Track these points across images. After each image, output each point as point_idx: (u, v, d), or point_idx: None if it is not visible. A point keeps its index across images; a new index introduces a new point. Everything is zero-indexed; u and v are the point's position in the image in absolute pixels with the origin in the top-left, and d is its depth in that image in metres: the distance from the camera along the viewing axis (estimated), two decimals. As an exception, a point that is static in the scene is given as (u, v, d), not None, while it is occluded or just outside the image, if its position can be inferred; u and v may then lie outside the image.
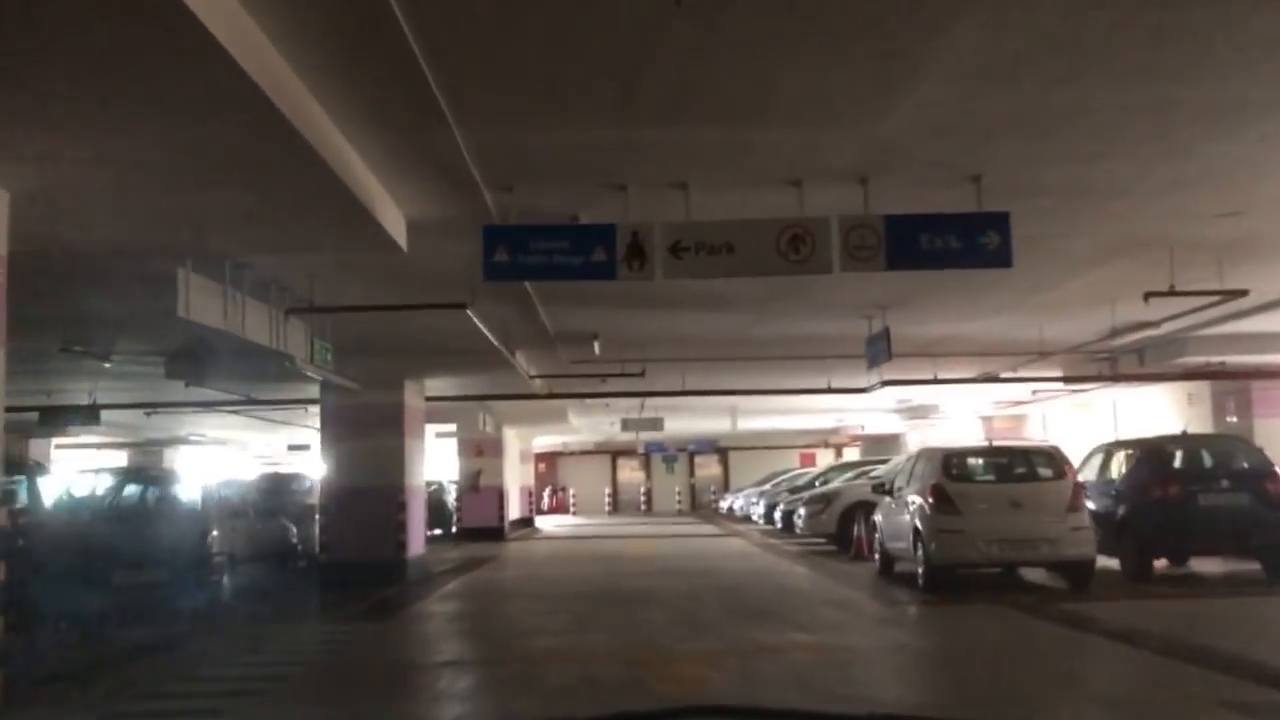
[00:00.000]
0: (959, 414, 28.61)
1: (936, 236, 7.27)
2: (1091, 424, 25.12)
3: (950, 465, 13.87)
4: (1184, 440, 14.95)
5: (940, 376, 17.73)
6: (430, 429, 31.09)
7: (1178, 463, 14.26)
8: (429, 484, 31.56)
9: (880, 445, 38.27)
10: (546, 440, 42.48)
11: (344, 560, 16.32)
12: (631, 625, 11.20)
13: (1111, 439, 16.90)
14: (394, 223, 7.89)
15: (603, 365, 16.60)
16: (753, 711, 2.01)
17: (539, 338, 14.65)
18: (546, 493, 47.47)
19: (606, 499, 48.24)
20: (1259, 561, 13.78)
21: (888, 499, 15.95)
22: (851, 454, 40.97)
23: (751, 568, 18.07)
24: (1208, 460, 14.33)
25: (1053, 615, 11.18)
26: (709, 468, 49.60)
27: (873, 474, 22.81)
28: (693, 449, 47.05)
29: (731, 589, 14.57)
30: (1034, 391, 21.40)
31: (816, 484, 27.07)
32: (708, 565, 18.69)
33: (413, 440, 17.41)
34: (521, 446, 35.43)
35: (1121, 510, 14.17)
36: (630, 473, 49.38)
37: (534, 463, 46.94)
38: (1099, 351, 17.29)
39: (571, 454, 47.43)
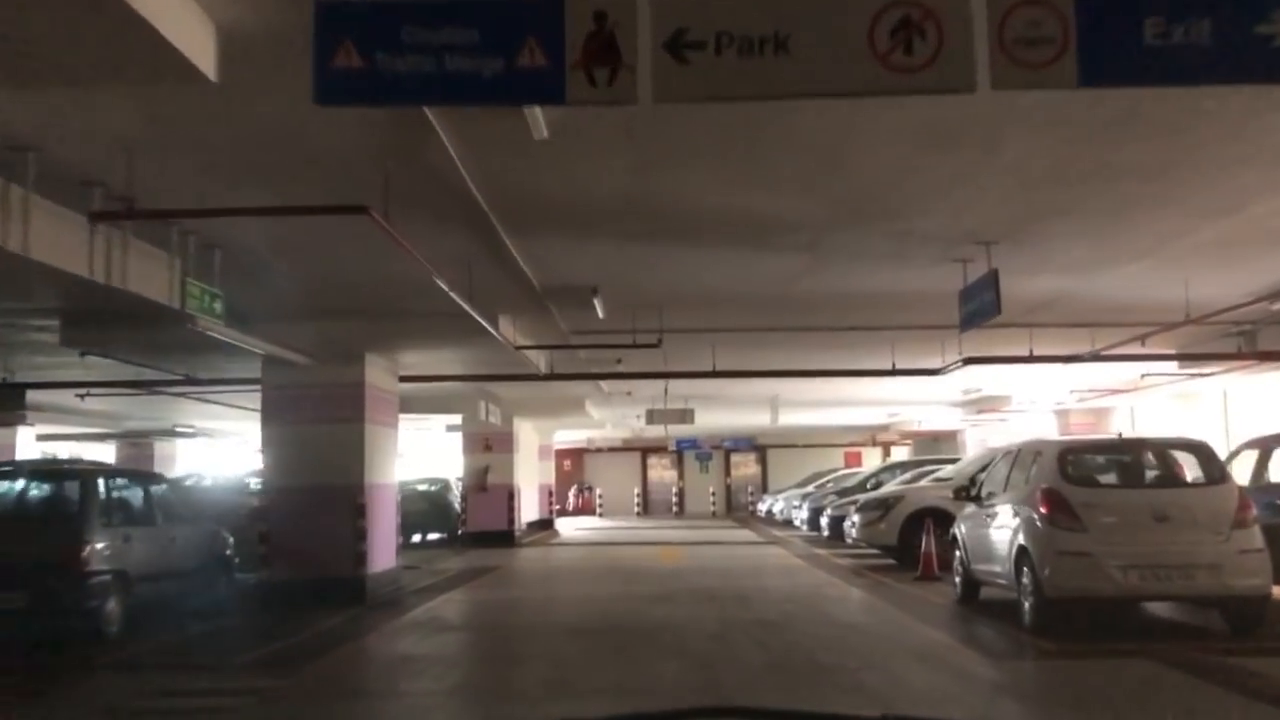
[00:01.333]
0: (1033, 406, 24.90)
1: (1175, 23, 3.85)
2: (1195, 420, 21.41)
3: (1068, 464, 10.36)
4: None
5: (1037, 353, 14.12)
6: (439, 420, 28.23)
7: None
8: (432, 482, 28.74)
9: (933, 444, 34.70)
10: (570, 436, 39.25)
11: (289, 578, 13.08)
12: (630, 689, 7.80)
13: (1267, 432, 13.24)
14: (189, 34, 4.55)
15: (610, 335, 13.22)
16: (765, 712, 2.05)
17: (525, 296, 11.30)
18: (571, 492, 44.22)
19: (635, 500, 44.85)
20: None
21: (971, 507, 12.46)
22: (900, 454, 37.35)
23: (798, 590, 14.60)
24: None
25: (1236, 678, 7.74)
26: (746, 467, 46.13)
27: (938, 475, 19.35)
28: (728, 446, 43.62)
29: (774, 625, 11.13)
30: (1144, 376, 17.73)
31: (868, 486, 23.62)
32: (744, 585, 15.24)
33: (379, 429, 14.11)
34: (541, 442, 32.18)
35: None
36: (662, 471, 45.99)
37: (556, 460, 44.12)
38: (1242, 321, 13.68)
39: (598, 451, 44.13)
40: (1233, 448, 12.67)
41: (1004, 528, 10.94)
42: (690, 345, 15.14)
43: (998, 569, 11.08)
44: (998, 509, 11.33)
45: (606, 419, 30.47)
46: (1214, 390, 20.92)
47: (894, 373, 15.58)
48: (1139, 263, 10.34)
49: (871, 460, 38.67)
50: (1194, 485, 10.27)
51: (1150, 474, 10.63)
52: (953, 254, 9.63)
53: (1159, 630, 10.31)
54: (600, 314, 11.83)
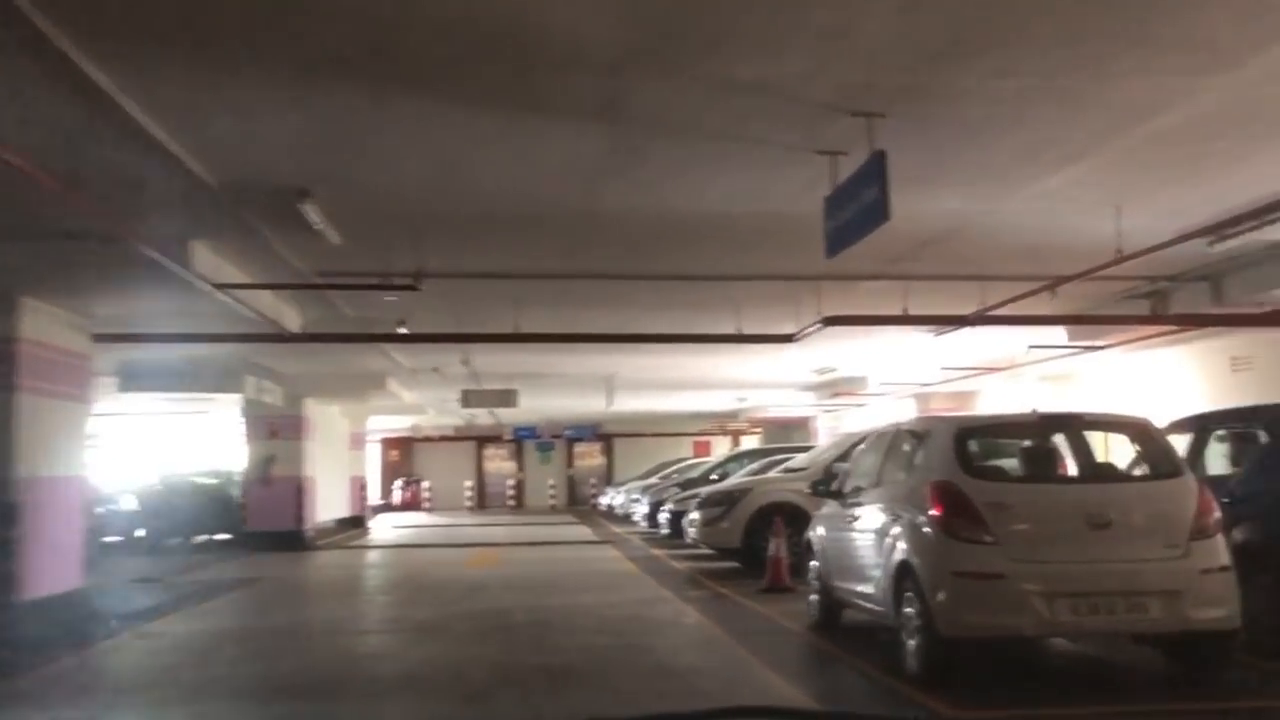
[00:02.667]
0: (893, 390, 22.42)
1: None
2: (1068, 404, 19.20)
3: (969, 449, 7.48)
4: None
5: (913, 312, 11.27)
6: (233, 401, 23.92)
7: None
8: (215, 475, 24.59)
9: (784, 433, 32.25)
10: (395, 422, 35.38)
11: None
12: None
13: (1204, 410, 10.66)
14: None
15: (353, 271, 9.79)
16: (795, 712, 2.24)
17: (212, 206, 7.79)
18: (397, 486, 40.31)
19: (467, 493, 41.24)
20: None
21: (831, 505, 9.55)
22: (750, 443, 34.82)
23: (618, 611, 11.45)
24: None
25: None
26: (591, 457, 43.10)
27: (789, 465, 16.55)
28: (571, 435, 40.42)
29: (567, 678, 7.88)
30: (1030, 348, 15.20)
31: (712, 477, 20.75)
32: (551, 605, 12.04)
33: (47, 402, 10.33)
34: (352, 428, 28.30)
35: (1252, 533, 8.02)
36: (499, 462, 42.51)
37: (382, 450, 40.25)
38: (1158, 277, 11.15)
39: (428, 440, 40.34)
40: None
41: (877, 535, 8.01)
42: (484, 299, 11.83)
43: (869, 590, 8.15)
44: (867, 509, 8.41)
45: (424, 402, 26.87)
46: (1093, 372, 18.72)
47: (740, 339, 12.57)
48: (1064, 172, 7.47)
49: (722, 450, 36.11)
50: (1140, 479, 7.51)
51: (1079, 463, 7.82)
52: (817, 140, 6.56)
53: (1089, 679, 7.52)
54: (331, 236, 8.40)
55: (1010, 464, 8.07)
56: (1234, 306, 11.15)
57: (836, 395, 24.14)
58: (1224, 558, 6.98)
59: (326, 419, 24.00)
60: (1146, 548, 6.89)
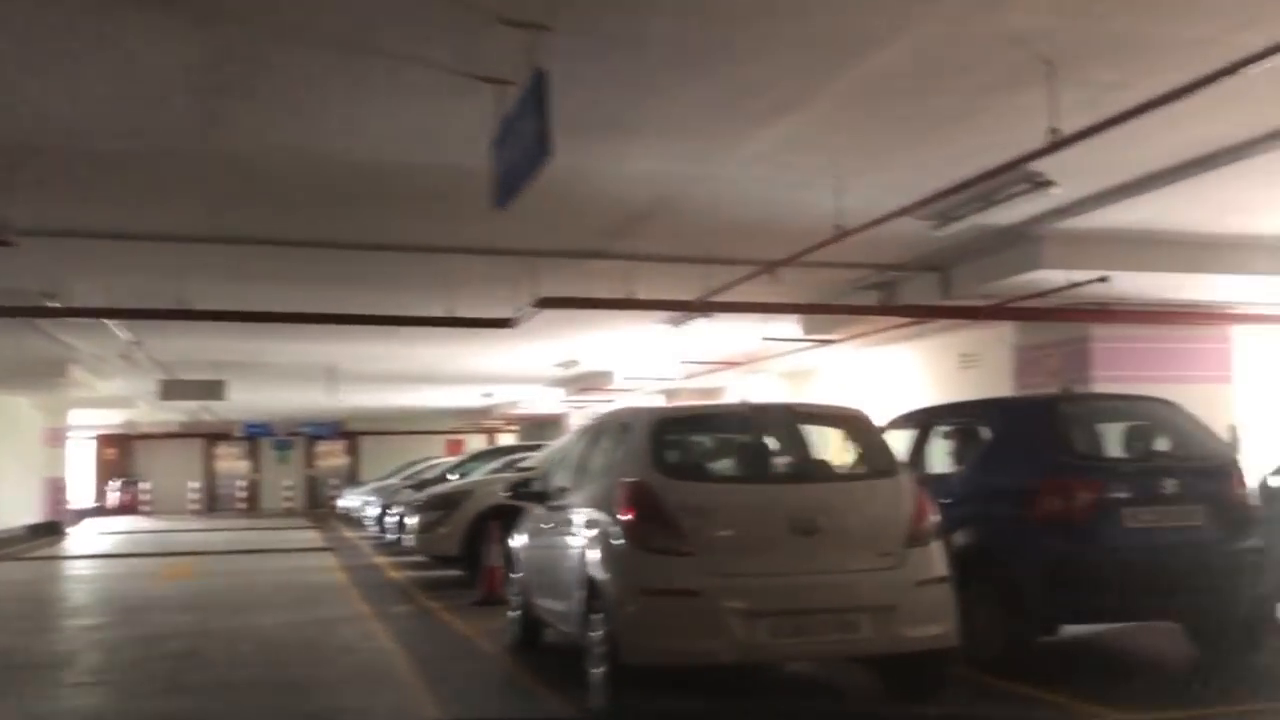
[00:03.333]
0: (640, 385, 21.63)
1: None
2: (802, 399, 18.90)
3: (666, 445, 6.44)
4: (1082, 404, 8.36)
5: (639, 297, 10.24)
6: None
7: (1081, 446, 7.61)
8: None
9: (540, 430, 31.15)
10: (107, 417, 31.92)
11: None
12: None
13: (930, 404, 10.10)
14: None
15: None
16: None
17: None
18: (113, 487, 36.62)
19: (191, 495, 37.96)
20: (1190, 624, 7.52)
21: (539, 510, 8.38)
22: (510, 441, 33.48)
23: (299, 633, 9.88)
24: (1133, 443, 7.77)
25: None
26: (335, 457, 40.60)
27: (524, 464, 15.34)
28: (310, 432, 37.87)
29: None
30: (765, 339, 14.57)
31: (450, 477, 19.30)
32: (223, 627, 10.35)
33: None
34: (48, 423, 25.09)
35: (971, 536, 7.41)
36: (232, 462, 39.42)
37: (98, 449, 36.55)
38: (887, 266, 10.60)
39: (149, 437, 36.80)
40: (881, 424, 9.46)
41: (570, 545, 6.90)
42: (141, 269, 10.00)
43: (562, 608, 7.02)
44: (565, 514, 7.28)
45: (131, 394, 24.10)
46: (834, 368, 18.50)
47: (452, 322, 11.21)
48: (773, 127, 6.55)
49: (477, 449, 34.57)
50: (851, 479, 6.69)
51: (783, 460, 6.92)
52: (475, 61, 5.32)
53: (793, 695, 6.64)
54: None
55: (717, 461, 7.12)
56: (962, 299, 10.75)
57: (584, 390, 23.17)
58: (941, 567, 6.23)
59: (8, 411, 21.03)
60: (857, 557, 6.04)
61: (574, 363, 19.27)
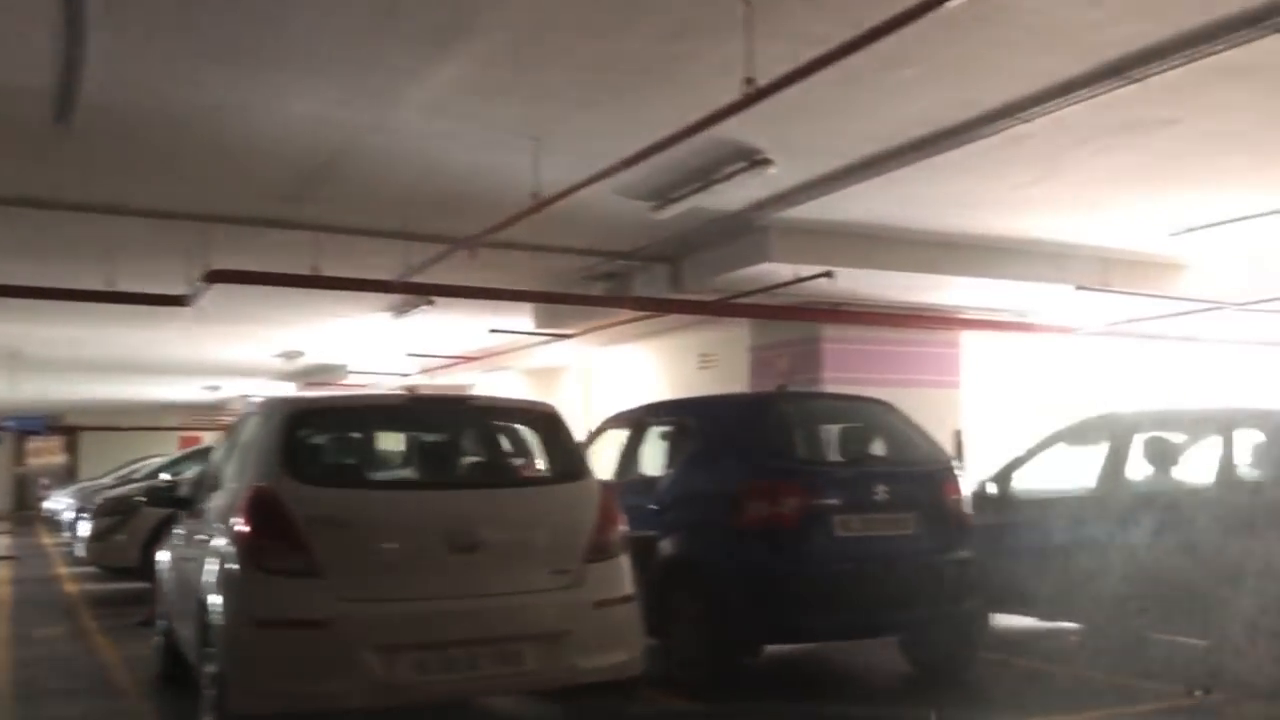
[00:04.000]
0: (378, 380, 20.19)
1: None
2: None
3: (302, 442, 5.33)
4: (796, 403, 7.74)
5: (328, 274, 8.99)
6: None
7: (792, 448, 6.99)
8: None
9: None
10: None
11: None
12: None
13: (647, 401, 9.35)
14: None
15: None
16: None
17: None
18: None
19: None
20: (904, 640, 7.07)
21: (185, 519, 7.06)
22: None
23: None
24: (848, 445, 7.21)
25: None
26: (51, 454, 36.80)
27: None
28: (15, 426, 34.03)
29: None
30: (492, 331, 13.53)
31: (164, 477, 17.31)
32: None
33: None
34: None
35: (675, 546, 6.70)
36: (-75, 459, 35.03)
37: None
38: (619, 255, 9.83)
39: None
40: (594, 425, 8.63)
41: (195, 561, 5.68)
42: None
43: (189, 637, 5.80)
44: (199, 524, 6.07)
45: None
46: (580, 367, 17.76)
47: (113, 297, 9.60)
48: (438, 66, 5.55)
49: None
50: (527, 483, 5.77)
51: (447, 462, 5.89)
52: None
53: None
54: None
55: (367, 463, 6.07)
56: (693, 293, 10.12)
57: (315, 385, 21.52)
58: (625, 584, 5.40)
59: None
60: (526, 576, 5.13)
61: (298, 354, 17.69)
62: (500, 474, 5.88)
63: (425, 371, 18.32)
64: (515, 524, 5.28)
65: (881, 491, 6.72)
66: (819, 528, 6.48)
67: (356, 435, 6.17)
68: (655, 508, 7.06)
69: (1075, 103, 5.81)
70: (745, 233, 8.94)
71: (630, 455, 7.81)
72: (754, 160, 6.88)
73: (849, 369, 11.34)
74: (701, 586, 6.62)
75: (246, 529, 4.88)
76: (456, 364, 17.42)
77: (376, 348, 16.03)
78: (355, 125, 6.41)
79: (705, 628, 6.52)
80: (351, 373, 19.57)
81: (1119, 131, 6.57)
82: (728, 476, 6.71)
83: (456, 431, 5.85)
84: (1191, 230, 9.28)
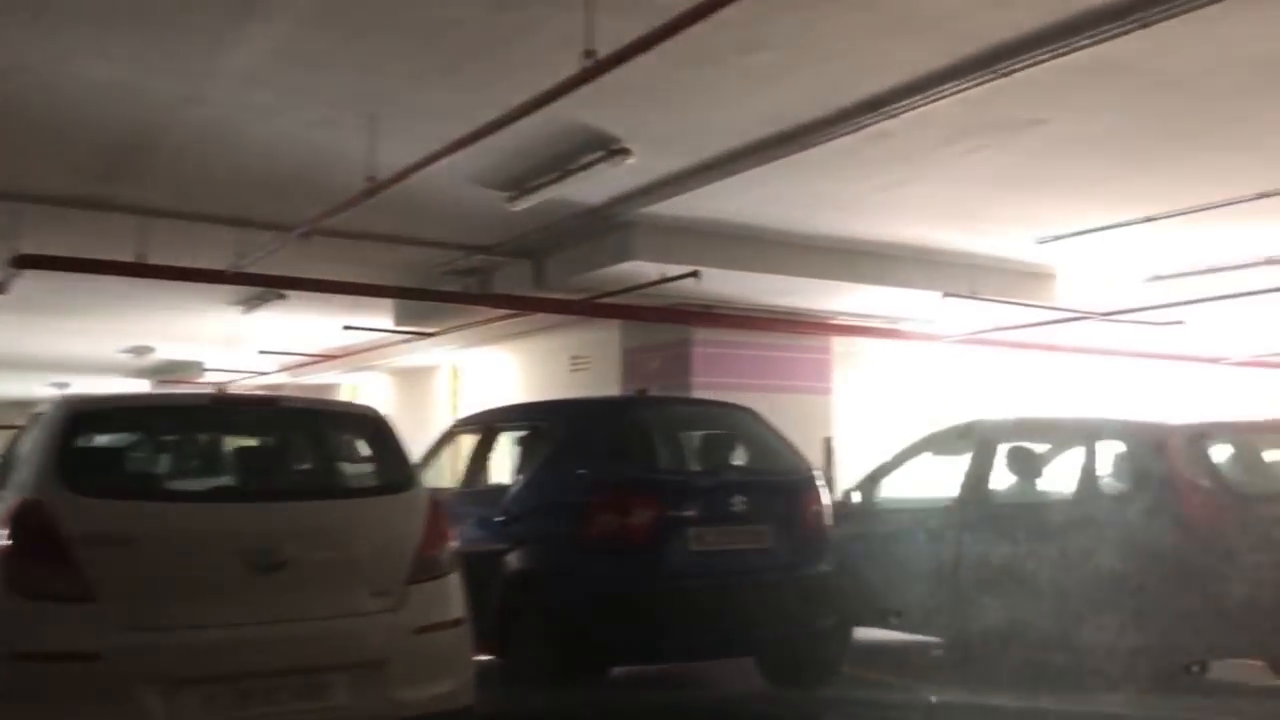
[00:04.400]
0: (233, 378, 19.19)
1: None
2: (425, 410, 17.45)
3: (81, 448, 4.69)
4: (654, 409, 7.32)
5: (156, 261, 8.24)
6: None
7: (646, 456, 6.60)
8: None
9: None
10: None
11: None
12: None
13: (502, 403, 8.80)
14: None
15: None
16: None
17: None
18: None
19: None
20: (762, 660, 6.75)
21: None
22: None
23: None
24: (707, 453, 6.85)
25: None
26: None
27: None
28: None
29: None
30: (346, 328, 12.82)
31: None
32: None
33: None
34: None
35: (521, 560, 6.26)
36: None
37: None
38: (477, 249, 9.31)
39: None
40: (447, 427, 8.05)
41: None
42: None
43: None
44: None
45: None
46: (450, 367, 17.15)
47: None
48: (245, 29, 5.00)
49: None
50: (343, 494, 5.24)
51: (252, 470, 5.30)
52: None
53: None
54: None
55: (158, 471, 5.47)
56: (556, 291, 9.67)
57: (170, 382, 20.39)
58: (455, 607, 4.90)
59: None
60: (339, 598, 4.59)
61: (147, 350, 16.66)
62: (313, 485, 5.32)
63: (285, 370, 17.46)
64: (328, 540, 4.74)
65: (739, 503, 6.37)
66: (672, 541, 6.10)
67: (150, 440, 5.54)
68: (502, 519, 6.61)
69: (939, 98, 5.55)
70: (609, 229, 8.53)
71: (479, 462, 7.33)
72: (611, 150, 6.48)
73: (719, 373, 11.03)
74: (546, 604, 6.18)
75: (6, 547, 4.25)
76: (316, 363, 16.62)
77: (231, 344, 15.15)
78: (167, 96, 5.79)
79: (549, 648, 6.08)
80: (207, 371, 18.56)
81: (986, 131, 6.35)
82: (577, 486, 6.28)
83: (266, 437, 5.28)
84: (1059, 239, 9.20)
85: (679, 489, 6.35)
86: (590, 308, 9.65)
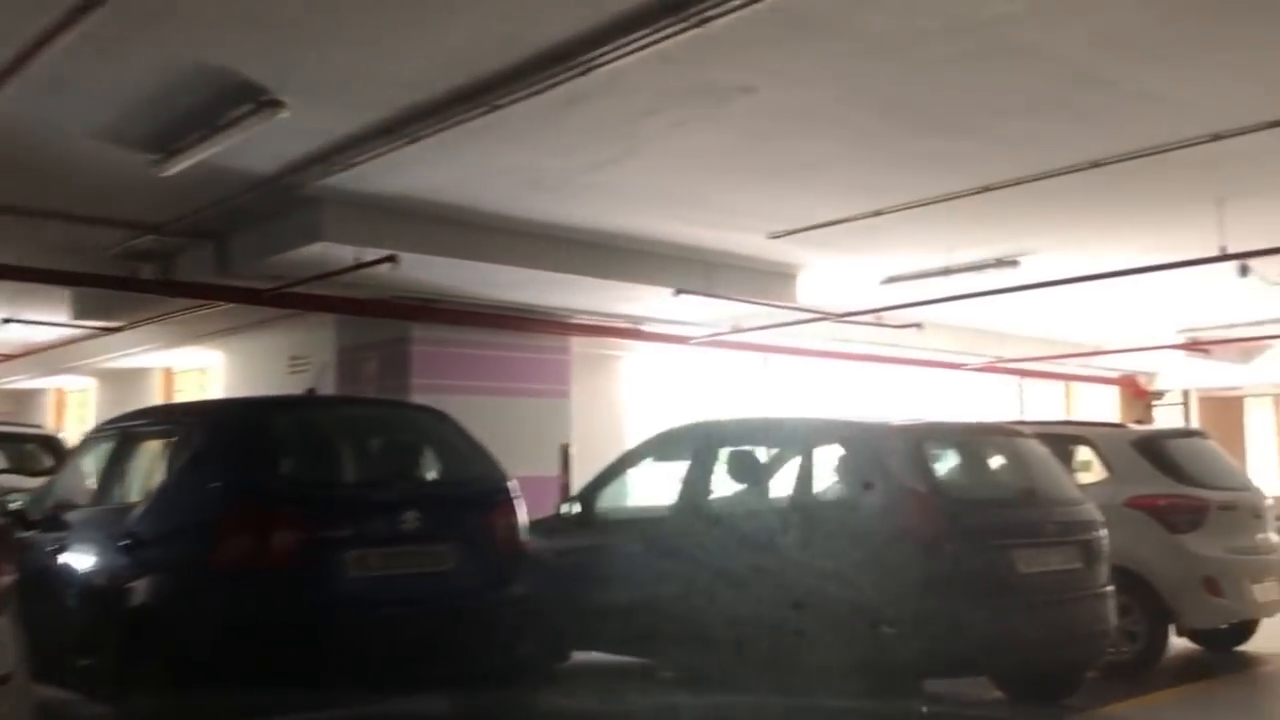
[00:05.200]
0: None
1: None
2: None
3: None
4: (315, 411, 6.29)
5: None
6: None
7: (299, 469, 5.58)
8: None
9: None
10: None
11: None
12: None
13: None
14: None
15: None
16: None
17: None
18: None
19: None
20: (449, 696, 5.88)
21: None
22: None
23: None
24: (376, 463, 5.89)
25: None
26: None
27: None
28: None
29: None
30: (7, 321, 11.09)
31: None
32: None
33: None
34: None
35: (141, 593, 5.14)
36: None
37: None
38: (144, 228, 8.02)
39: None
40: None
41: None
42: None
43: None
44: None
45: None
46: (164, 368, 15.47)
47: None
48: None
49: None
50: None
51: None
52: None
53: None
54: None
55: None
56: (241, 276, 8.48)
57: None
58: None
59: None
60: None
61: None
62: None
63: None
64: None
65: (413, 519, 5.44)
66: (324, 566, 5.11)
67: None
68: (126, 544, 5.45)
69: (631, 48, 4.82)
70: (293, 205, 7.44)
71: (111, 475, 6.11)
72: (260, 102, 5.45)
73: (443, 375, 10.08)
74: (167, 645, 5.07)
75: None
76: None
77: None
78: None
79: (170, 697, 4.98)
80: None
81: (690, 98, 5.69)
82: (209, 503, 5.20)
83: None
84: (791, 233, 8.75)
85: (334, 504, 5.35)
86: (281, 298, 8.52)
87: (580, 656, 7.14)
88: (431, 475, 5.90)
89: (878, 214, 8.11)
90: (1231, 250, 8.32)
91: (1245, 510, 7.66)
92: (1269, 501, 7.92)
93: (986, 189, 7.47)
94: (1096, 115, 6.14)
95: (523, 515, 6.05)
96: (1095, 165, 6.90)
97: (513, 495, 6.03)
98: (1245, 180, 7.45)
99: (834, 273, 10.53)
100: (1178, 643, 7.44)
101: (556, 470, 10.69)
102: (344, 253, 7.75)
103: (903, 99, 5.85)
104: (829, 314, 10.91)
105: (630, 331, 11.43)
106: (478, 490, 5.91)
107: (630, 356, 12.95)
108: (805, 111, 5.96)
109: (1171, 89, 5.77)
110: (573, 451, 10.96)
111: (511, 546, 5.92)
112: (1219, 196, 7.90)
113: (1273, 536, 7.78)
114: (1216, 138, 6.42)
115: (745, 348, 12.50)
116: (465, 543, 5.65)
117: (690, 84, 5.50)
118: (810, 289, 10.79)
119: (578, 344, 11.40)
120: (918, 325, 11.96)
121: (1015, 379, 16.38)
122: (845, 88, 5.66)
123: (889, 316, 11.57)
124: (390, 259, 7.59)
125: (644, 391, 13.30)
